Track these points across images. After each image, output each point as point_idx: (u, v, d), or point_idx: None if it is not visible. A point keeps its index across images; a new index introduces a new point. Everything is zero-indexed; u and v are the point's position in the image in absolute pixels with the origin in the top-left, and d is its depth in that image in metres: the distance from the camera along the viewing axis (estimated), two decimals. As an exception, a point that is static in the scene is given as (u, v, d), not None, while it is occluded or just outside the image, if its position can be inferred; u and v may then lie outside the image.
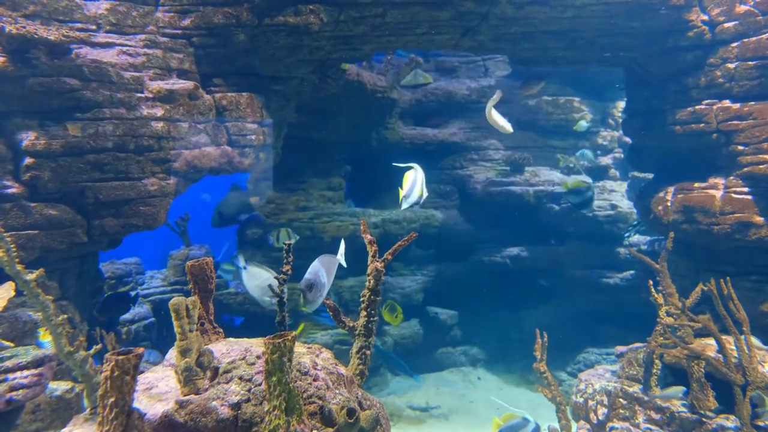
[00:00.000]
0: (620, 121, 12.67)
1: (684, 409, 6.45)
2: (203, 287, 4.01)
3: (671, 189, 8.56)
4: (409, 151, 12.98)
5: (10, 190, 6.14)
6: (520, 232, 12.62)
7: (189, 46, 7.44)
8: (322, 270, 4.09)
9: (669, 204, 8.49)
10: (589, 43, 8.58)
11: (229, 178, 9.01)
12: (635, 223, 11.46)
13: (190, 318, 3.47)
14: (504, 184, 12.54)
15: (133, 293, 9.49)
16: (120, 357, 2.80)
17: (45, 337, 5.72)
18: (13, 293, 5.33)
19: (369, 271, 4.35)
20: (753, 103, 7.51)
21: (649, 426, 6.60)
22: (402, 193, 5.94)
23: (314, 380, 3.60)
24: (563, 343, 10.79)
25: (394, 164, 7.16)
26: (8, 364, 4.96)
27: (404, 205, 5.94)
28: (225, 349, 3.85)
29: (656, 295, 6.82)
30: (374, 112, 12.20)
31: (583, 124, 12.57)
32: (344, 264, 4.59)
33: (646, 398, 6.79)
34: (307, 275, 3.99)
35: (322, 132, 11.98)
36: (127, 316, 9.46)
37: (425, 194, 5.99)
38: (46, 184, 6.28)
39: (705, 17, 7.78)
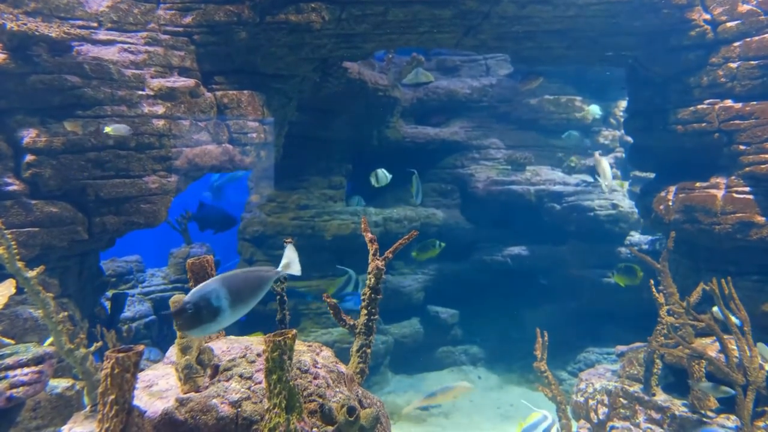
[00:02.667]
0: (622, 120, 12.66)
1: (684, 409, 6.45)
2: (204, 285, 3.99)
3: (673, 188, 8.55)
4: (411, 150, 12.97)
5: (11, 188, 6.15)
6: (521, 232, 12.60)
7: (190, 43, 7.43)
8: (221, 291, 3.00)
9: (670, 203, 8.47)
10: (591, 42, 8.56)
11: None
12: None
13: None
14: (505, 184, 12.53)
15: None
16: (120, 354, 2.80)
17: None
18: (13, 291, 5.33)
19: (370, 269, 4.35)
20: (755, 102, 7.49)
21: (649, 425, 6.60)
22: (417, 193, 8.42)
23: (314, 378, 3.60)
24: (564, 343, 10.80)
25: (408, 170, 9.21)
26: (9, 361, 4.97)
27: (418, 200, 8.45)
28: (225, 347, 3.86)
29: (657, 295, 6.81)
30: (376, 110, 12.19)
31: (595, 109, 12.40)
32: (297, 272, 3.50)
33: (646, 398, 6.78)
34: (188, 296, 2.96)
35: (324, 130, 11.96)
36: (127, 314, 9.46)
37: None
38: (47, 182, 6.28)
39: (707, 16, 7.76)
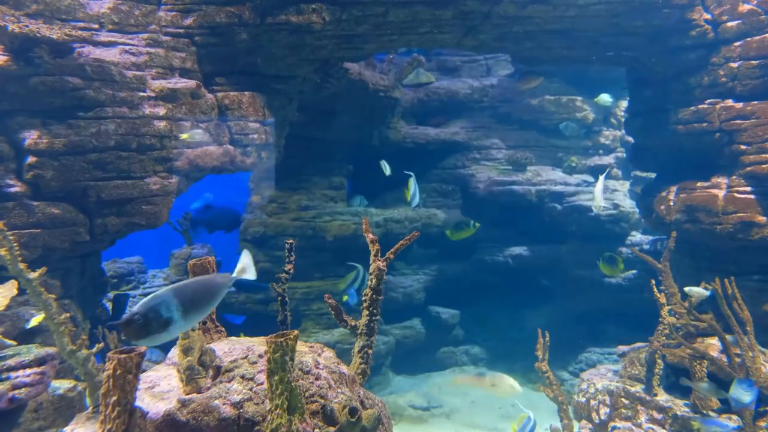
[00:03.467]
0: (623, 120, 12.66)
1: (686, 409, 6.44)
2: (205, 286, 4.00)
3: (674, 188, 8.55)
4: (411, 150, 12.96)
5: (12, 189, 6.15)
6: (522, 232, 12.60)
7: (191, 45, 7.44)
8: (171, 302, 2.99)
9: (671, 203, 8.47)
10: (592, 42, 8.56)
11: (231, 177, 9.04)
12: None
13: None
14: (506, 184, 12.52)
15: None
16: (122, 356, 2.81)
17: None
18: (15, 292, 5.34)
19: (371, 270, 4.35)
20: (756, 102, 7.49)
21: (651, 426, 6.59)
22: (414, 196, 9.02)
23: (316, 379, 3.60)
24: (565, 343, 10.78)
25: (405, 172, 9.39)
26: (11, 362, 4.98)
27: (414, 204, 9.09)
28: (227, 348, 3.86)
29: (659, 295, 6.81)
30: (376, 111, 12.19)
31: (606, 98, 12.36)
32: (252, 276, 3.55)
33: (648, 398, 6.78)
34: (137, 306, 2.94)
35: (324, 131, 11.97)
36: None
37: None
38: (49, 183, 6.29)
39: (708, 16, 7.76)
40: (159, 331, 2.93)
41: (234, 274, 3.48)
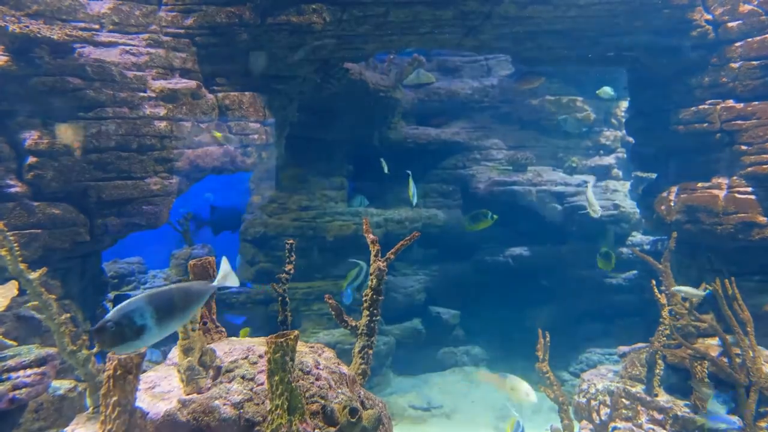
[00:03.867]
0: (623, 120, 12.65)
1: (687, 410, 6.44)
2: (206, 286, 4.00)
3: (674, 189, 8.54)
4: (412, 150, 12.96)
5: (13, 189, 6.16)
6: (522, 232, 12.58)
7: (192, 45, 7.44)
8: (146, 309, 2.89)
9: (672, 204, 8.47)
10: (592, 42, 8.56)
11: (232, 177, 9.08)
12: None
13: (193, 317, 3.47)
14: (507, 184, 12.51)
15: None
16: (123, 356, 2.81)
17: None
18: (16, 292, 5.34)
19: (371, 270, 4.36)
20: (756, 102, 7.49)
21: (651, 426, 6.59)
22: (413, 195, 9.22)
23: (317, 379, 3.60)
24: (566, 343, 10.77)
25: (406, 171, 9.62)
26: (11, 362, 4.97)
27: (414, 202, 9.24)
28: (227, 349, 3.86)
29: (659, 295, 6.81)
30: (377, 111, 12.19)
31: (608, 90, 12.34)
32: (234, 283, 3.56)
33: (648, 399, 6.78)
34: (110, 313, 2.86)
35: (325, 131, 11.97)
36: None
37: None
38: (49, 183, 6.29)
39: (708, 17, 7.76)
40: (132, 338, 2.85)
41: (215, 282, 3.48)
